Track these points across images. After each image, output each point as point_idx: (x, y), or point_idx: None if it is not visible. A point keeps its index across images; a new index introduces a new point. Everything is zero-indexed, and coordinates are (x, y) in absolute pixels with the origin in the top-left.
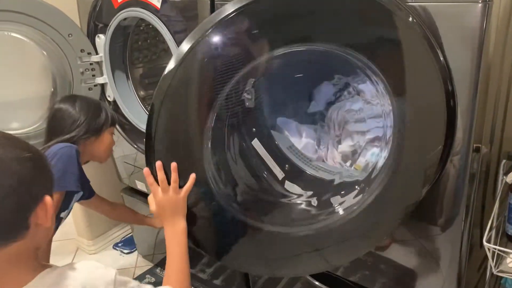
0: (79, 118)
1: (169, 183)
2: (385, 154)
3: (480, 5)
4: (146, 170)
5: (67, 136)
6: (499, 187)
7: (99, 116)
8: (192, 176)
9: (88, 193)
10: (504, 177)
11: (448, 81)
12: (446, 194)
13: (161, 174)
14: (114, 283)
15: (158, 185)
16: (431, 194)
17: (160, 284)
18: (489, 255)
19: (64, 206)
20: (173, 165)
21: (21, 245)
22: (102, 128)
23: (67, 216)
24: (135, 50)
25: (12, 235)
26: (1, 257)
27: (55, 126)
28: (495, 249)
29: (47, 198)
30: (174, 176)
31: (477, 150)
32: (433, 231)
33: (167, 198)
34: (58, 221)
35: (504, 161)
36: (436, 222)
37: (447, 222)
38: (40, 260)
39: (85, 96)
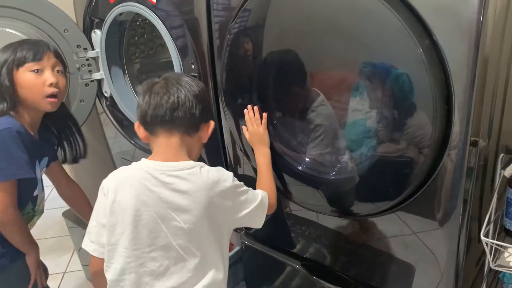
0: None
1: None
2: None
3: None
4: (249, 107)
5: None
6: (497, 181)
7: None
8: (265, 114)
9: (51, 156)
10: (502, 171)
11: (444, 75)
12: (444, 188)
13: (251, 114)
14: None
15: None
16: (428, 188)
17: None
18: (487, 249)
19: (29, 185)
20: (255, 108)
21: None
22: (10, 69)
23: (43, 191)
24: (132, 45)
25: None
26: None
27: None
28: (493, 243)
29: None
30: (257, 115)
31: (475, 143)
32: (431, 226)
33: (256, 131)
34: (34, 200)
35: (502, 155)
36: (434, 217)
37: (444, 216)
38: None
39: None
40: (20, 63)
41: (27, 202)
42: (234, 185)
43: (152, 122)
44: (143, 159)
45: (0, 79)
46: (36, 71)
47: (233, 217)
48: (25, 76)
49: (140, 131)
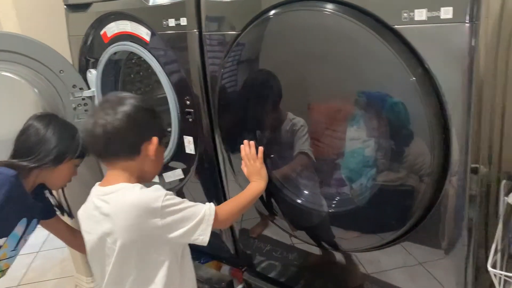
0: (48, 141)
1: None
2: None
3: (467, 25)
4: (245, 142)
5: (26, 159)
6: (501, 209)
7: (69, 144)
8: (260, 149)
9: (42, 215)
10: (506, 198)
11: (439, 103)
12: (447, 217)
13: (247, 149)
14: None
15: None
16: (432, 217)
17: None
18: (495, 281)
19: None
20: (252, 143)
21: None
22: (65, 156)
23: (13, 250)
24: (128, 83)
25: None
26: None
27: (21, 142)
28: (501, 275)
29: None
30: (253, 150)
31: (475, 170)
32: (437, 255)
33: (252, 166)
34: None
35: (504, 181)
36: (439, 246)
37: (450, 245)
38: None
39: (64, 119)
40: (75, 156)
41: None
42: (162, 206)
43: (95, 156)
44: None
45: (49, 157)
46: (76, 166)
47: (166, 237)
48: (68, 168)
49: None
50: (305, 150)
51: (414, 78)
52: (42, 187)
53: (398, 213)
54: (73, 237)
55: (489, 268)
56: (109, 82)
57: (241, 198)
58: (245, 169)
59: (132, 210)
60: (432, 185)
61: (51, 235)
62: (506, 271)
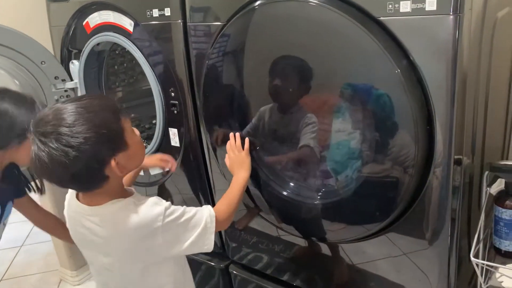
0: (6, 118)
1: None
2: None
3: (451, 17)
4: (231, 134)
5: None
6: (484, 199)
7: (29, 117)
8: (247, 139)
9: (14, 195)
10: (488, 188)
11: (423, 95)
12: (431, 207)
13: (232, 141)
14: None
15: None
16: (416, 208)
17: None
18: (478, 270)
19: None
20: (237, 134)
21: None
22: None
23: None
24: (112, 74)
25: None
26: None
27: None
28: (483, 264)
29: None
30: (238, 141)
31: (459, 162)
32: (421, 246)
33: (236, 156)
34: None
35: (487, 172)
36: (423, 236)
37: (433, 235)
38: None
39: (18, 92)
40: None
41: None
42: (163, 225)
43: None
44: (69, 193)
45: (12, 135)
46: None
47: (169, 253)
48: None
49: None
50: (311, 144)
51: (399, 70)
52: (11, 166)
53: (383, 204)
54: (43, 218)
55: (472, 258)
56: (92, 73)
57: (232, 194)
58: (227, 162)
59: (131, 234)
60: (416, 176)
61: (35, 229)
62: (488, 261)
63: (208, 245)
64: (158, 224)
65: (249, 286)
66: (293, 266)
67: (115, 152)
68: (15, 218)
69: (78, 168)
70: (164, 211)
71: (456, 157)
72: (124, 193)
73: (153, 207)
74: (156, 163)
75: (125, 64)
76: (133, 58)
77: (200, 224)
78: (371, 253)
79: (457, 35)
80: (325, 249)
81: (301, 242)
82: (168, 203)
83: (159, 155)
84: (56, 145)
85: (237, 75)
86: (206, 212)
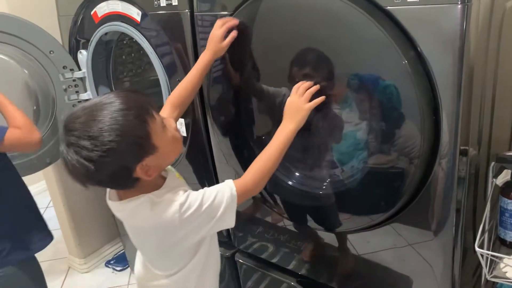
0: None
1: None
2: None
3: (459, 6)
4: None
5: None
6: (489, 190)
7: None
8: (322, 97)
9: None
10: (494, 179)
11: (430, 85)
12: (436, 198)
13: (305, 83)
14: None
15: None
16: (421, 199)
17: None
18: (482, 261)
19: None
20: (317, 85)
21: None
22: None
23: None
24: (120, 64)
25: None
26: None
27: None
28: (488, 254)
29: None
30: (312, 89)
31: (465, 152)
32: (426, 237)
33: (296, 101)
34: None
35: (493, 163)
36: (428, 227)
37: (438, 226)
38: None
39: None
40: None
41: None
42: (180, 221)
43: None
44: None
45: None
46: None
47: (190, 241)
48: None
49: None
50: None
51: (406, 61)
52: None
53: (388, 194)
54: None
55: (476, 248)
56: (100, 63)
57: (268, 152)
58: (287, 102)
59: (147, 234)
60: (421, 167)
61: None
62: (493, 251)
63: (230, 223)
64: (175, 223)
65: (255, 275)
66: (299, 255)
67: (141, 158)
68: None
69: (102, 178)
70: (179, 209)
71: (462, 147)
72: (156, 185)
73: (168, 206)
74: None
75: (132, 54)
76: (140, 48)
77: (220, 208)
78: (376, 243)
79: (464, 25)
80: (330, 239)
81: (307, 232)
82: (185, 195)
83: None
84: (76, 157)
85: (243, 64)
86: (227, 193)
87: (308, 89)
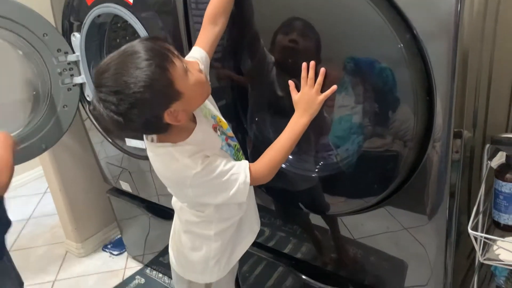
0: None
1: None
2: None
3: None
4: (304, 64)
5: None
6: (484, 173)
7: None
8: (333, 87)
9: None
10: (489, 162)
11: (425, 67)
12: (430, 181)
13: (312, 72)
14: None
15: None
16: (415, 181)
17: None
18: (475, 243)
19: None
20: (322, 69)
21: None
22: None
23: None
24: (114, 47)
25: None
26: None
27: None
28: (481, 237)
29: None
30: (320, 79)
31: (459, 135)
32: (420, 220)
33: (309, 94)
34: None
35: (488, 145)
36: (423, 211)
37: (432, 210)
38: None
39: None
40: None
41: None
42: (190, 184)
43: None
44: None
45: None
46: None
47: (200, 201)
48: None
49: None
50: None
51: (401, 45)
52: None
53: (381, 176)
54: None
55: (469, 230)
56: (94, 46)
57: (280, 144)
58: (294, 93)
59: (166, 179)
60: (415, 149)
61: (42, 203)
62: (487, 234)
63: (239, 201)
64: (186, 183)
65: (251, 258)
66: (294, 239)
67: (167, 105)
68: (23, 192)
69: (134, 129)
70: (192, 176)
71: (455, 130)
72: (188, 130)
73: (183, 170)
74: None
75: (127, 38)
76: (135, 32)
77: (231, 189)
78: (371, 227)
79: (459, 7)
80: (325, 222)
81: (302, 215)
82: (203, 166)
83: None
84: (106, 112)
85: (238, 47)
86: (241, 178)
87: (310, 78)
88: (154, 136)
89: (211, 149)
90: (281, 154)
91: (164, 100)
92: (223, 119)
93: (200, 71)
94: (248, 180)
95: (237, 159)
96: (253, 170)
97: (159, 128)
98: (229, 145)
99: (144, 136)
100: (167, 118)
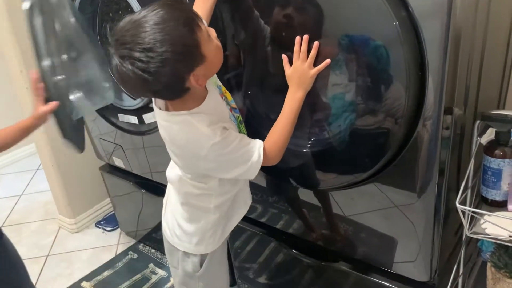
0: None
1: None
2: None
3: None
4: (297, 38)
5: None
6: (474, 149)
7: None
8: (327, 61)
9: None
10: (479, 138)
11: (418, 43)
12: (420, 158)
13: (304, 46)
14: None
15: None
16: (405, 158)
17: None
18: (462, 217)
19: None
20: (316, 43)
21: None
22: None
23: None
24: (107, 22)
25: None
26: None
27: None
28: (469, 210)
29: None
30: (313, 52)
31: (450, 111)
32: (411, 198)
33: (301, 68)
34: None
35: (478, 121)
36: (413, 188)
37: (422, 187)
38: None
39: None
40: None
41: None
42: (204, 156)
43: None
44: None
45: None
46: None
47: (210, 175)
48: None
49: None
50: None
51: (397, 22)
52: None
53: (371, 151)
54: None
55: (457, 204)
56: (86, 20)
57: (281, 123)
58: (287, 67)
59: (178, 149)
60: (405, 126)
61: (35, 179)
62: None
63: (249, 177)
64: (201, 153)
65: (244, 234)
66: (286, 215)
67: (193, 67)
68: (15, 168)
69: (158, 87)
70: (210, 146)
71: (447, 106)
72: (201, 97)
73: (203, 139)
74: None
75: (120, 12)
76: (128, 6)
77: (243, 166)
78: (362, 204)
79: None
80: (317, 199)
81: (294, 191)
82: (222, 137)
83: None
84: (131, 68)
85: (233, 23)
86: (254, 157)
87: (302, 51)
88: (162, 105)
89: (222, 119)
90: (286, 133)
91: (192, 62)
92: (227, 91)
93: (217, 38)
94: (261, 160)
95: (240, 131)
96: (267, 151)
97: (179, 91)
98: (232, 116)
99: (154, 105)
100: (191, 80)
